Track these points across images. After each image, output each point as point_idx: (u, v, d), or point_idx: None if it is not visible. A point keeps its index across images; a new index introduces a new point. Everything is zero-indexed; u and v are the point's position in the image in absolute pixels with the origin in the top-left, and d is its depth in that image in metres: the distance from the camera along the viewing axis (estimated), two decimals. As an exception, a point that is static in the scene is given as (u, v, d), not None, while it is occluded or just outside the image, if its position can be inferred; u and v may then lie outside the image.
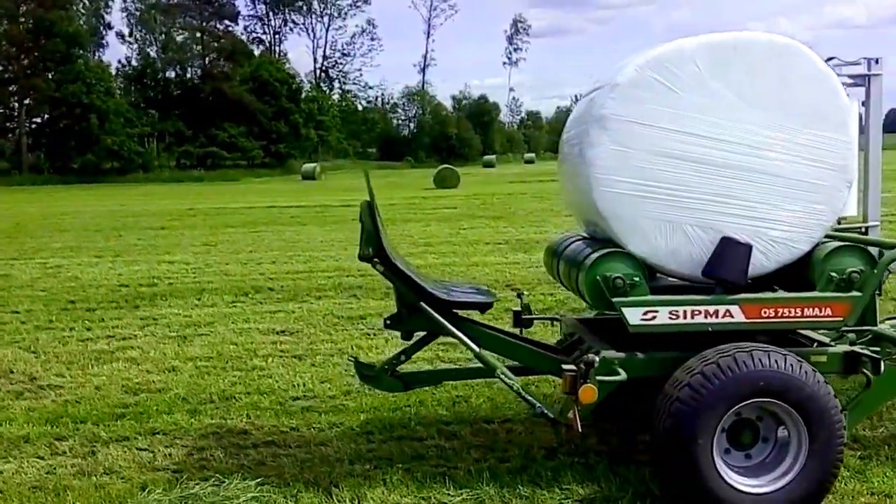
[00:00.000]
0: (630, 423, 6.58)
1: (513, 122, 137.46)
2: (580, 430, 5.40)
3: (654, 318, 5.45)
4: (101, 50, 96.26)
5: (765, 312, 5.46)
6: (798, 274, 5.76)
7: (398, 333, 9.81)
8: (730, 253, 5.52)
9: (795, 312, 5.46)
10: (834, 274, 5.50)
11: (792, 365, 5.11)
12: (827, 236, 5.91)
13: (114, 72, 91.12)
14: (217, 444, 6.82)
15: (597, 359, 5.34)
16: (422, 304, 5.89)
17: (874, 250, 5.79)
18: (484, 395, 7.75)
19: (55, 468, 6.43)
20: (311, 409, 7.66)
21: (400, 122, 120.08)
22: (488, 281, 13.96)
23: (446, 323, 5.91)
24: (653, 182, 5.55)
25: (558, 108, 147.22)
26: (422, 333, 6.33)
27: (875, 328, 6.50)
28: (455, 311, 6.09)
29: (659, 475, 5.41)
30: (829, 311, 5.46)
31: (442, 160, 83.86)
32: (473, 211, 28.97)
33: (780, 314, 5.46)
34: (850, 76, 6.86)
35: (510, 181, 53.99)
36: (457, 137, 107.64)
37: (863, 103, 6.87)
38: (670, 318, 5.45)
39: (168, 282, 15.55)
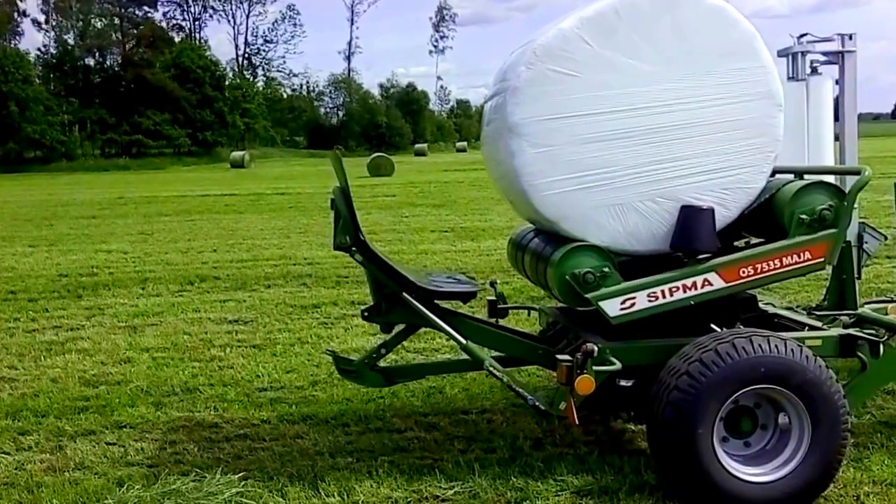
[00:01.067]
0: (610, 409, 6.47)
1: (442, 110, 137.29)
2: (577, 421, 5.27)
3: (633, 304, 5.32)
4: (16, 38, 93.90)
5: (743, 272, 5.35)
6: (770, 225, 5.65)
7: (357, 322, 9.84)
8: (693, 222, 5.40)
9: (774, 264, 5.35)
10: (804, 216, 5.34)
11: (792, 350, 4.99)
12: (793, 175, 5.83)
13: (32, 60, 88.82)
14: (188, 437, 6.58)
15: (596, 348, 5.18)
16: (404, 294, 5.70)
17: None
18: (459, 385, 7.60)
19: (24, 464, 6.14)
20: (279, 400, 7.45)
21: (327, 110, 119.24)
22: (441, 270, 13.79)
23: (431, 314, 5.72)
24: (586, 171, 5.40)
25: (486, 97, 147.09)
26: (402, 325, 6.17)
27: (858, 311, 6.40)
28: (436, 301, 5.91)
29: (659, 465, 5.27)
30: (808, 255, 5.35)
31: (372, 149, 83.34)
32: (412, 199, 28.78)
33: (759, 270, 5.35)
34: (824, 53, 6.75)
35: (444, 169, 53.81)
36: (386, 126, 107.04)
37: (836, 82, 6.77)
38: (649, 300, 5.33)
39: (108, 271, 15.18)
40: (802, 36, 6.65)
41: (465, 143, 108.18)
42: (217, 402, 7.42)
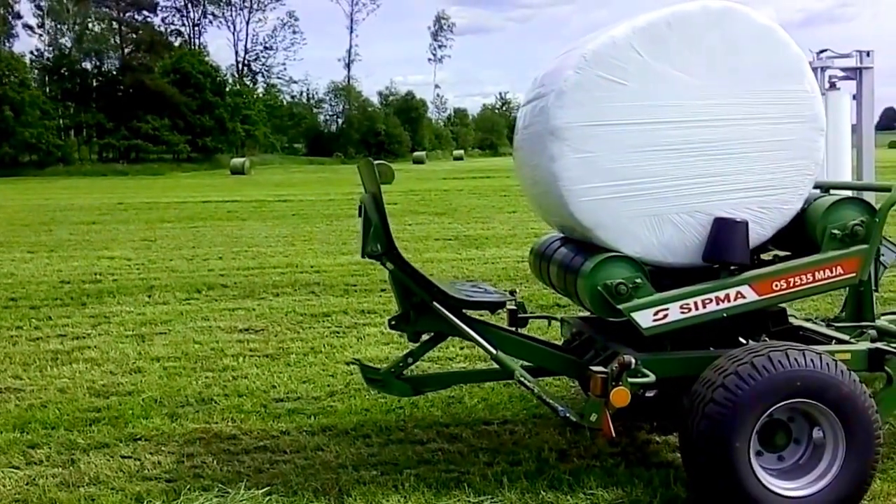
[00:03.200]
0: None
1: (440, 118, 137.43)
2: (613, 434, 5.17)
3: (665, 316, 5.26)
4: (10, 41, 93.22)
5: (776, 286, 5.32)
6: (800, 239, 5.61)
7: (370, 331, 9.73)
8: (727, 234, 5.34)
9: (807, 278, 5.33)
10: (836, 231, 5.35)
11: (828, 364, 4.92)
12: (819, 189, 5.79)
13: (27, 63, 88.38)
14: (206, 450, 6.42)
15: (633, 360, 5.07)
16: (434, 303, 5.58)
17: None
18: (478, 395, 7.47)
19: (35, 479, 5.96)
20: (297, 411, 7.30)
21: (327, 117, 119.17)
22: (448, 278, 13.67)
23: (461, 324, 5.63)
24: (626, 180, 5.33)
25: (484, 105, 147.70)
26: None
27: (876, 323, 6.40)
28: (465, 311, 5.82)
29: (693, 478, 5.16)
30: (840, 270, 5.35)
31: (372, 156, 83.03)
32: (414, 207, 28.64)
33: (792, 284, 5.32)
34: (842, 69, 6.74)
35: (443, 177, 53.72)
36: (386, 133, 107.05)
37: (854, 96, 6.74)
38: (682, 312, 5.26)
39: (112, 278, 14.98)
40: (822, 52, 6.63)
41: (462, 152, 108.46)
42: (234, 414, 7.26)
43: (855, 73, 6.77)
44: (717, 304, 5.28)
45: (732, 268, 5.35)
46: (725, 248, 5.33)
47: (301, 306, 12.02)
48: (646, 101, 5.28)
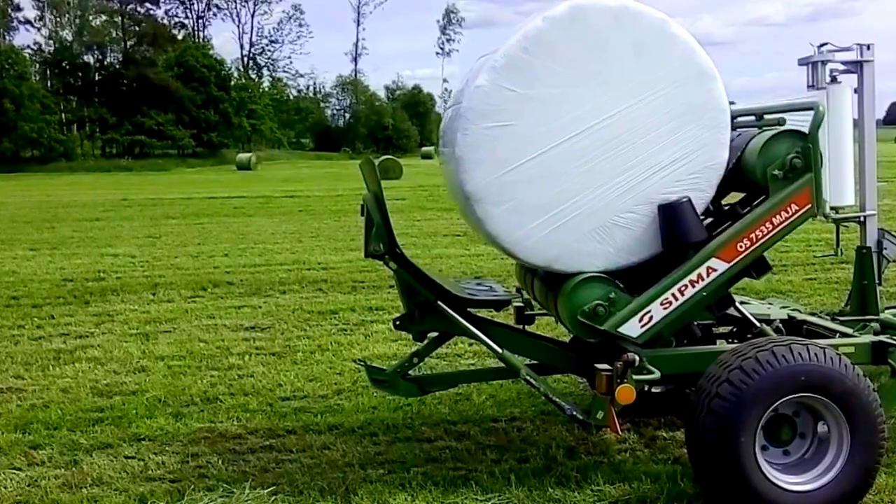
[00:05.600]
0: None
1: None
2: (619, 431, 5.20)
3: (651, 318, 5.22)
4: (10, 33, 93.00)
5: (741, 247, 5.26)
6: (747, 184, 5.61)
7: (377, 328, 9.67)
8: (675, 217, 5.26)
9: (767, 227, 5.26)
10: (776, 171, 5.27)
11: (832, 358, 4.91)
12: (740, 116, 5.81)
13: (27, 56, 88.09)
14: (211, 450, 6.37)
15: (637, 358, 5.02)
16: (439, 303, 5.52)
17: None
18: (485, 392, 7.41)
19: (37, 480, 5.91)
20: (304, 409, 7.25)
21: (334, 111, 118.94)
22: (457, 274, 13.62)
23: (467, 323, 5.58)
24: (555, 209, 5.26)
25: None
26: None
27: (880, 317, 6.42)
28: (469, 309, 5.76)
29: (699, 474, 5.14)
30: (795, 207, 5.27)
31: (379, 151, 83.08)
32: (423, 203, 28.53)
33: (755, 239, 5.26)
34: (843, 62, 6.68)
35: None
36: (393, 128, 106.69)
37: (855, 90, 6.69)
38: (664, 308, 5.23)
39: (116, 276, 14.93)
40: (823, 45, 6.59)
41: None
42: (239, 413, 7.21)
43: (856, 67, 6.68)
44: (694, 286, 5.23)
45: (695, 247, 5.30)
46: (680, 232, 5.26)
47: (308, 303, 11.97)
48: (538, 129, 5.19)
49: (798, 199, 5.26)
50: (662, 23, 5.32)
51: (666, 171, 5.30)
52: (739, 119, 6.15)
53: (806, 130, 5.31)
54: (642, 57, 5.26)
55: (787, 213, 5.25)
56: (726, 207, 5.91)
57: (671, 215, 5.26)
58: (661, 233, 5.33)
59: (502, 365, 5.71)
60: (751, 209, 5.46)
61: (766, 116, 5.83)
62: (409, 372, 6.05)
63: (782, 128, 5.48)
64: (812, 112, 5.32)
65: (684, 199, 5.27)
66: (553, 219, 5.25)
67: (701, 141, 5.33)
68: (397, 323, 5.87)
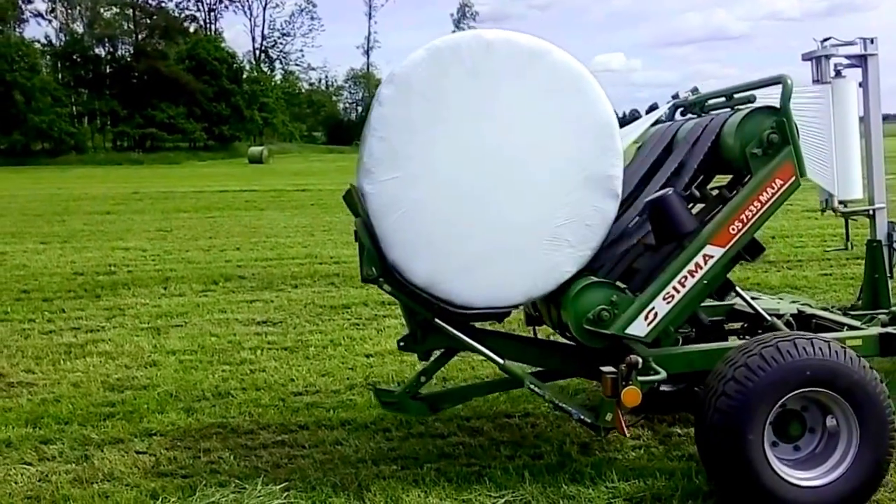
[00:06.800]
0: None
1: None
2: (627, 433, 5.22)
3: (655, 315, 5.17)
4: (21, 26, 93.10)
5: (733, 229, 5.21)
6: (730, 167, 5.59)
7: (389, 323, 9.61)
8: (664, 211, 5.22)
9: (756, 206, 5.21)
10: (756, 150, 5.22)
11: (836, 352, 4.89)
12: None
13: (38, 48, 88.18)
14: (223, 445, 6.34)
15: (640, 360, 4.98)
16: (437, 320, 5.46)
17: None
18: (499, 386, 7.31)
19: (48, 475, 5.88)
20: (316, 405, 7.21)
21: (346, 105, 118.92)
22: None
23: (466, 338, 5.52)
24: (488, 247, 5.23)
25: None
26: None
27: (892, 309, 6.38)
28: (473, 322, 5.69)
29: (710, 472, 5.11)
30: (779, 182, 5.22)
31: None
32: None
33: (746, 219, 5.21)
34: (847, 56, 6.65)
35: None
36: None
37: (860, 84, 6.65)
38: (667, 302, 5.18)
39: (127, 270, 14.93)
40: (826, 40, 6.57)
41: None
42: (251, 408, 7.18)
43: (860, 61, 6.64)
44: (693, 276, 5.18)
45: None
46: (670, 225, 5.22)
47: (320, 298, 11.94)
48: (445, 193, 5.17)
49: (781, 174, 5.22)
50: (503, 41, 5.25)
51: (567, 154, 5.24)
52: (710, 101, 6.17)
53: (777, 105, 5.27)
54: (513, 83, 5.20)
55: (773, 188, 5.21)
56: (714, 192, 5.87)
57: (659, 209, 5.23)
58: (654, 229, 5.31)
59: None
60: (738, 190, 5.41)
61: (736, 96, 5.82)
62: (420, 391, 5.98)
63: (754, 105, 5.45)
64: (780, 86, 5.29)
65: (669, 192, 5.25)
66: (492, 260, 5.22)
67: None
68: (401, 344, 5.80)
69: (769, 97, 5.46)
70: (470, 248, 5.19)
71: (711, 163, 5.59)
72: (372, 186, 5.17)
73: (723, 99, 6.01)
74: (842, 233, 7.32)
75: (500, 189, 5.17)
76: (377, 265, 5.27)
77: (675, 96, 6.90)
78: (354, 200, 5.44)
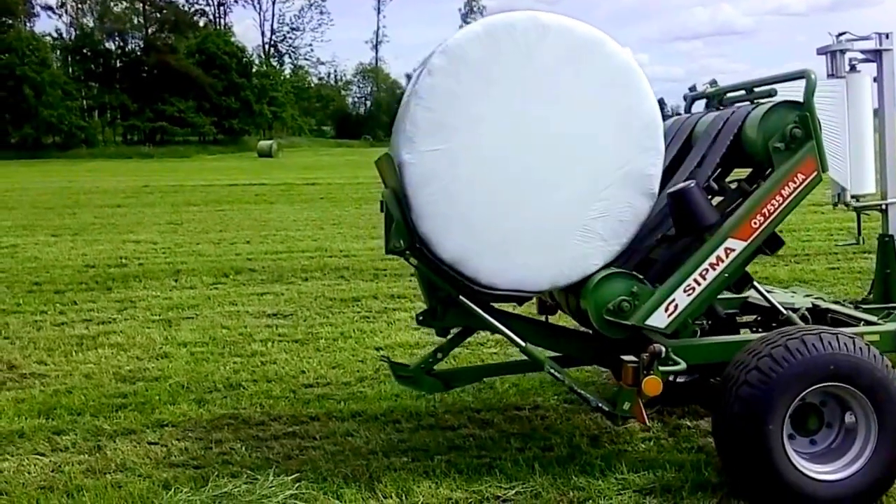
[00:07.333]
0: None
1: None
2: (647, 422, 5.20)
3: (676, 307, 5.16)
4: (31, 20, 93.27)
5: (755, 223, 5.21)
6: (751, 160, 5.60)
7: (399, 316, 9.63)
8: (686, 203, 5.21)
9: (778, 200, 5.21)
10: (778, 144, 5.22)
11: (861, 348, 4.88)
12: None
13: (49, 43, 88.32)
14: (235, 436, 6.37)
15: (663, 349, 4.97)
16: (461, 297, 5.45)
17: None
18: (509, 380, 7.34)
19: (61, 465, 5.91)
20: (327, 396, 7.24)
21: (355, 99, 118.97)
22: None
23: (489, 317, 5.50)
24: (526, 232, 5.22)
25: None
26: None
27: None
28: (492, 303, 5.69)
29: (726, 461, 5.11)
30: (801, 177, 5.22)
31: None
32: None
33: (768, 214, 5.21)
34: (862, 51, 6.63)
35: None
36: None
37: (875, 79, 6.64)
38: (688, 294, 5.16)
39: (138, 262, 14.98)
40: (841, 34, 6.54)
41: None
42: (262, 399, 7.21)
43: (875, 56, 6.62)
44: (714, 269, 5.17)
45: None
46: (693, 217, 5.21)
47: (330, 291, 11.96)
48: (486, 172, 5.15)
49: (803, 169, 5.22)
50: (549, 27, 5.23)
51: (610, 147, 5.23)
52: (729, 95, 6.17)
53: (800, 100, 5.27)
54: (565, 75, 5.18)
55: (795, 183, 5.21)
56: (733, 185, 5.87)
57: (681, 201, 5.22)
58: (675, 220, 5.31)
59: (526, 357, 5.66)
60: (759, 184, 5.42)
61: (757, 89, 5.82)
62: (434, 367, 6.01)
63: (777, 99, 5.45)
64: (804, 80, 5.28)
65: (691, 185, 5.24)
66: (523, 244, 5.21)
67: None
68: (420, 319, 5.81)
69: (789, 91, 5.47)
70: (504, 229, 5.16)
71: (732, 156, 5.59)
72: (412, 156, 5.08)
73: (742, 92, 6.01)
74: (848, 227, 7.35)
75: (540, 174, 5.15)
76: (405, 237, 5.23)
77: (693, 89, 6.90)
78: (386, 169, 5.43)
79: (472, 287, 5.28)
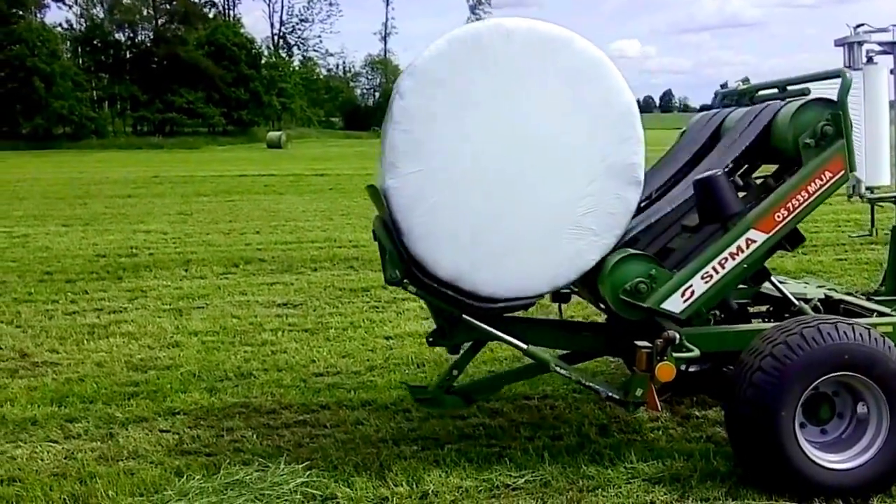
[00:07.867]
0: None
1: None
2: (659, 408, 5.21)
3: (692, 293, 5.18)
4: (42, 11, 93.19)
5: (778, 217, 5.22)
6: (779, 155, 5.58)
7: (409, 306, 9.64)
8: (712, 190, 5.22)
9: (803, 196, 5.22)
10: (808, 140, 5.24)
11: (876, 339, 4.89)
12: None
13: (59, 34, 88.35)
14: (246, 424, 6.41)
15: (677, 335, 4.98)
16: (465, 316, 5.45)
17: None
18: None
19: (74, 452, 5.96)
20: (337, 385, 7.27)
21: (364, 91, 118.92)
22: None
23: (491, 329, 5.50)
24: (514, 238, 5.23)
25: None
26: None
27: None
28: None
29: (737, 448, 5.13)
30: (828, 175, 5.23)
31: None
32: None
33: (792, 208, 5.22)
34: (879, 43, 6.61)
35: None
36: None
37: (892, 71, 6.62)
38: (705, 282, 5.18)
39: (149, 252, 15.01)
40: (859, 26, 6.52)
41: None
42: (273, 388, 7.24)
43: (892, 48, 6.60)
44: (734, 259, 5.19)
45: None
46: (717, 205, 5.23)
47: (340, 281, 11.99)
48: (469, 185, 5.15)
49: (831, 167, 5.23)
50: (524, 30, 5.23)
51: (589, 142, 5.22)
52: (762, 92, 6.16)
53: (834, 98, 5.27)
54: (540, 79, 5.19)
55: (822, 180, 5.22)
56: (759, 181, 5.87)
57: (707, 189, 5.23)
58: (699, 207, 5.33)
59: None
60: (784, 180, 5.42)
61: (790, 88, 5.82)
62: (454, 385, 5.97)
63: (810, 97, 5.45)
64: (839, 80, 5.28)
65: (718, 174, 5.24)
66: (516, 251, 5.22)
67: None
68: (430, 340, 5.82)
69: (818, 89, 5.48)
70: (495, 238, 5.18)
71: (759, 150, 5.59)
72: (395, 181, 5.11)
73: (774, 90, 6.00)
74: (856, 218, 7.31)
75: (524, 178, 5.17)
76: (400, 267, 5.25)
77: (724, 86, 6.92)
78: (373, 199, 5.48)
79: (475, 304, 5.31)
